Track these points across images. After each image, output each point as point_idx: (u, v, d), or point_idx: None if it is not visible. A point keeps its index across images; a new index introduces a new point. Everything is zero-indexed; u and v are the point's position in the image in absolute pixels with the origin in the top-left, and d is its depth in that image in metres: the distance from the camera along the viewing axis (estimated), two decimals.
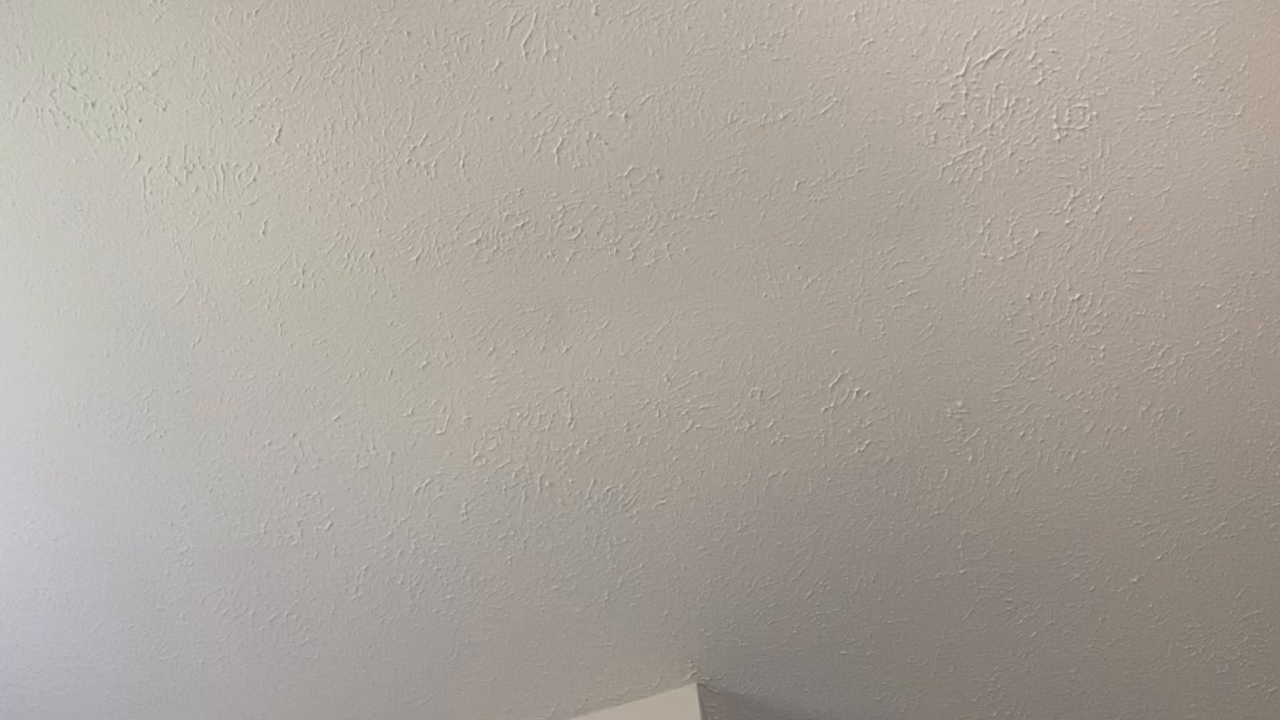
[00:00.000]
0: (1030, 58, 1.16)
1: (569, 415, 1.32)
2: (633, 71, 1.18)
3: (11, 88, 1.22)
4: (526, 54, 1.18)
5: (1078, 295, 1.23)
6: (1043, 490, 1.31)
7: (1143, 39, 1.14)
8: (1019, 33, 1.15)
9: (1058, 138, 1.18)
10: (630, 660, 1.45)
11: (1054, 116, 1.17)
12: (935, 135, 1.19)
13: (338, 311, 1.29)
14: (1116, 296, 1.23)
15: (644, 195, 1.23)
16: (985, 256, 1.23)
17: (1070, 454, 1.30)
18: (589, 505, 1.36)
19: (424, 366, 1.31)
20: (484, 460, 1.34)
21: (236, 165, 1.24)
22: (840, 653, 1.42)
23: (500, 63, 1.19)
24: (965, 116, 1.18)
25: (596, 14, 1.16)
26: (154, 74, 1.21)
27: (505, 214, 1.24)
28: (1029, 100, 1.17)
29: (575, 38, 1.17)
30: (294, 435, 1.35)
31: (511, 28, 1.18)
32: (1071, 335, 1.25)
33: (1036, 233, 1.21)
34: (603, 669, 1.46)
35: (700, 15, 1.16)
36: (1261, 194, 1.19)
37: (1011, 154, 1.19)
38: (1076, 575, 1.35)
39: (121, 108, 1.22)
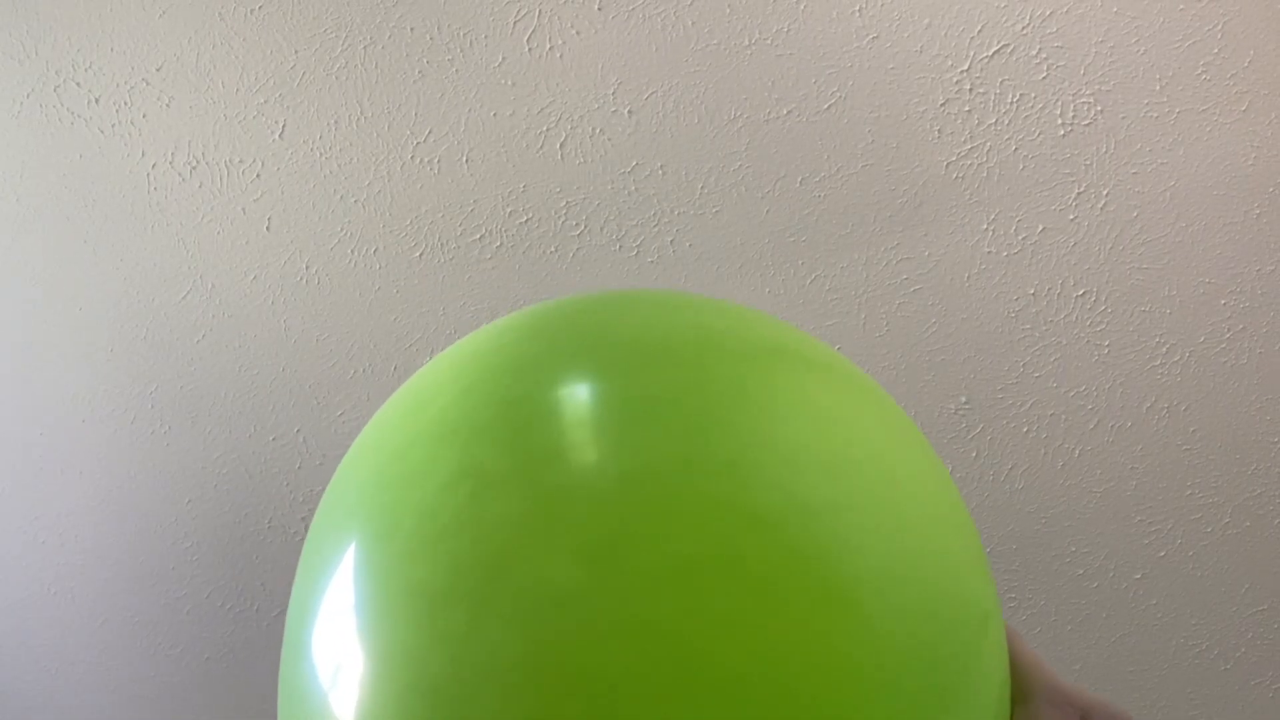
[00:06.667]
0: (1035, 52, 1.15)
1: None
2: (636, 67, 1.18)
3: (15, 84, 1.23)
4: (530, 49, 1.18)
5: (1082, 291, 1.23)
6: (1046, 486, 1.31)
7: (1148, 33, 1.14)
8: (1023, 27, 1.15)
9: (1062, 133, 1.18)
10: None
11: (1058, 111, 1.17)
12: (939, 130, 1.18)
13: (341, 307, 1.29)
14: (1121, 292, 1.23)
15: (647, 191, 1.23)
16: (989, 252, 1.23)
17: (1074, 450, 1.29)
18: None
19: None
20: None
21: (240, 161, 1.24)
22: None
23: (503, 58, 1.19)
24: (969, 111, 1.18)
25: (600, 9, 1.16)
26: (158, 70, 1.21)
27: (508, 210, 1.24)
28: (1033, 95, 1.17)
29: (578, 33, 1.17)
30: (298, 431, 1.35)
31: (515, 23, 1.17)
32: (1076, 331, 1.25)
33: (1041, 228, 1.21)
34: None
35: (703, 10, 1.16)
36: (1267, 189, 1.18)
37: (1016, 149, 1.19)
38: (1080, 571, 1.35)
39: (125, 104, 1.22)
